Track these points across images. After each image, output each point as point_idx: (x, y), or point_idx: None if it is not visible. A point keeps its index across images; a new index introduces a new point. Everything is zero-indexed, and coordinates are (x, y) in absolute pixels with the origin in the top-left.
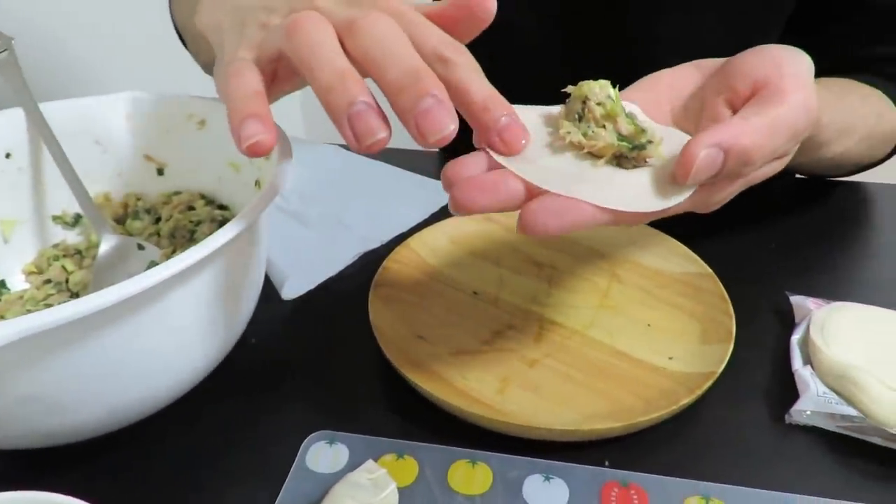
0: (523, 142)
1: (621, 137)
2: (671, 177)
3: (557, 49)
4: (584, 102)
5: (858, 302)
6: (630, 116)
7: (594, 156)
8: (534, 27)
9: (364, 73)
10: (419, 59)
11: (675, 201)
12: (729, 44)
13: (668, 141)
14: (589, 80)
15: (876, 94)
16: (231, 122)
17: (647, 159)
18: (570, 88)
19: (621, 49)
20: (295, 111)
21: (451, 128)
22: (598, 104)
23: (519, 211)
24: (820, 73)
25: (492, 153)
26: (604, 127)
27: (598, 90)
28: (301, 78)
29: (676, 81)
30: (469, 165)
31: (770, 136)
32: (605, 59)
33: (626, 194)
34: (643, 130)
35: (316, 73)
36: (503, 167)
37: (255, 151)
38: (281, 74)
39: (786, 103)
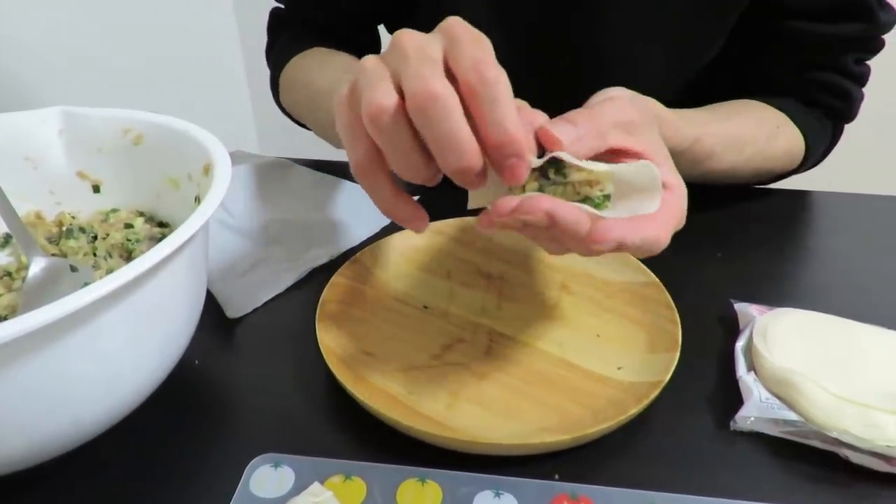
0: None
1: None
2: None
3: (523, 59)
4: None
5: (800, 308)
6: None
7: None
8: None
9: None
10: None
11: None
12: (672, 72)
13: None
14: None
15: (776, 116)
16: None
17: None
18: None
19: (570, 66)
20: (248, 124)
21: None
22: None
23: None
24: (741, 94)
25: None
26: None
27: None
28: None
29: None
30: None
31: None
32: (555, 68)
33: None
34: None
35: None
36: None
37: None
38: None
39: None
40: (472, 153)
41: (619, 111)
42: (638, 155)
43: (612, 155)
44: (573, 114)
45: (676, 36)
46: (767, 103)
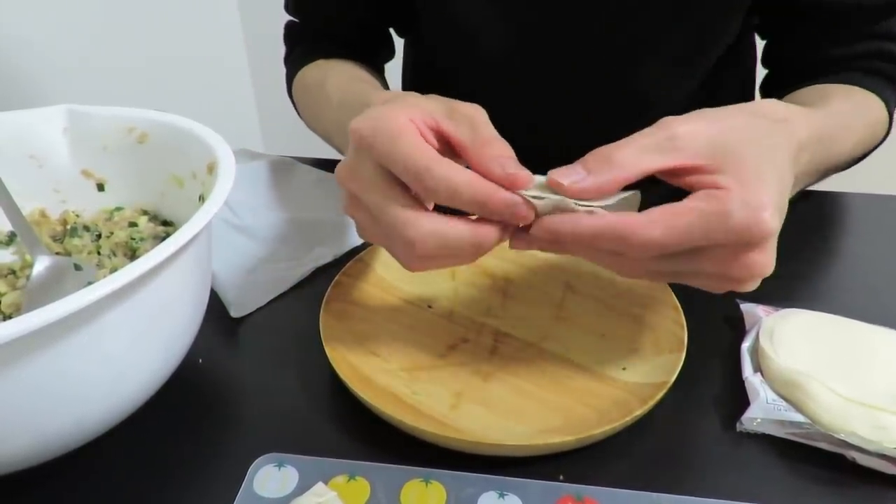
0: None
1: None
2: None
3: (524, 58)
4: None
5: (806, 308)
6: None
7: None
8: (499, 35)
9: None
10: None
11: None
12: (682, 67)
13: None
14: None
15: (852, 89)
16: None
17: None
18: None
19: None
20: (253, 123)
21: None
22: None
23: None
24: (795, 75)
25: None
26: None
27: None
28: None
29: None
30: None
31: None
32: (557, 68)
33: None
34: None
35: None
36: None
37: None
38: None
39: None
40: None
41: (647, 133)
42: (693, 170)
43: (671, 176)
44: (590, 157)
45: (687, 28)
46: (836, 83)
